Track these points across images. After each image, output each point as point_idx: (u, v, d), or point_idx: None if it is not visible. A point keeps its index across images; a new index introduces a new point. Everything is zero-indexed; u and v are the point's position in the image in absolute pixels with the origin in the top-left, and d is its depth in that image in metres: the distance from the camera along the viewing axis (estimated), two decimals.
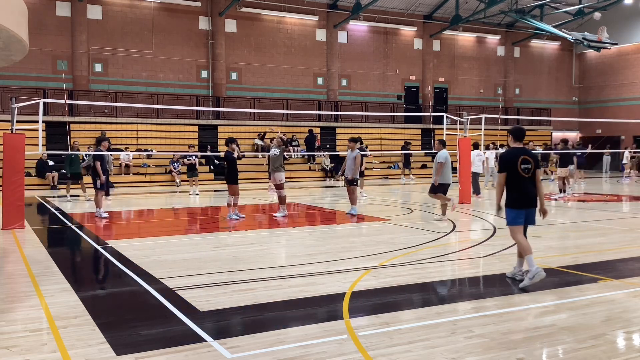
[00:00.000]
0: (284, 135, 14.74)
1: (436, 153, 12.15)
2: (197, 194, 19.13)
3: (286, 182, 13.57)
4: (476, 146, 18.67)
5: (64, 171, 21.50)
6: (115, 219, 12.94)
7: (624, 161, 28.35)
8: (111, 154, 22.18)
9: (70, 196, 17.43)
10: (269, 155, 13.02)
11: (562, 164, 17.63)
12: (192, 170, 20.07)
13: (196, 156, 21.45)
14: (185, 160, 21.45)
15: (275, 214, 12.81)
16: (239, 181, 12.94)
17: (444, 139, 13.79)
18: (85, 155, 22.56)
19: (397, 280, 6.74)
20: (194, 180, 19.94)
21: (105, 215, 12.84)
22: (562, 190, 17.46)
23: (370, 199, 17.50)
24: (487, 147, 21.20)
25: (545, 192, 17.87)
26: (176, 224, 12.97)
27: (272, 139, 13.32)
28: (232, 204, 12.62)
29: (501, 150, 22.23)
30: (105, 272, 7.95)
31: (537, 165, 6.53)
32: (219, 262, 7.88)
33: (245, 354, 4.38)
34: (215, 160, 25.16)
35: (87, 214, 13.98)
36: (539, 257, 8.20)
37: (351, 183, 13.27)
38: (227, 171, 12.91)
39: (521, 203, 6.44)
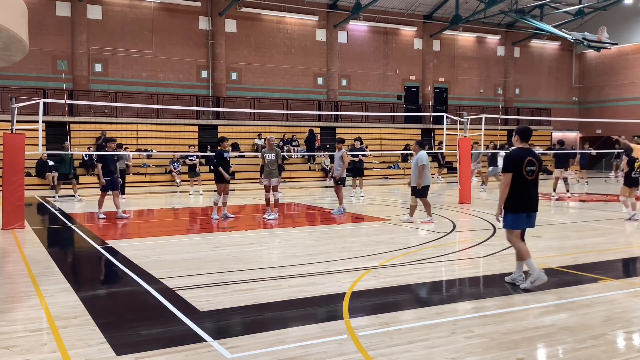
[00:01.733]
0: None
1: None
2: (201, 194, 19.12)
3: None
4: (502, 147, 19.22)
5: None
6: (115, 219, 12.93)
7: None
8: (131, 154, 22.22)
9: (59, 196, 17.34)
10: (263, 157, 12.86)
11: (558, 165, 17.78)
12: (193, 171, 20.04)
13: (197, 156, 21.38)
14: (187, 160, 21.33)
15: (268, 217, 12.56)
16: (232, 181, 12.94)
17: (422, 139, 13.84)
18: (85, 155, 22.59)
19: (397, 280, 6.74)
20: (195, 180, 19.91)
21: (103, 217, 12.76)
22: (554, 189, 17.63)
23: (370, 199, 17.50)
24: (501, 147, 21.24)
25: (546, 192, 17.91)
26: (176, 224, 12.97)
27: (266, 139, 13.15)
28: (223, 203, 12.67)
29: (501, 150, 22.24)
30: (105, 272, 7.94)
31: (540, 167, 6.38)
32: (219, 262, 7.88)
33: (245, 354, 4.38)
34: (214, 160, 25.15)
35: (87, 214, 13.98)
36: (539, 257, 8.20)
37: (337, 182, 13.54)
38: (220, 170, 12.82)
39: (524, 206, 6.27)
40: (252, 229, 11.30)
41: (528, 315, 5.37)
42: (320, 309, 5.66)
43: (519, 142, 6.39)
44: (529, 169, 6.19)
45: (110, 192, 13.00)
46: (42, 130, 12.65)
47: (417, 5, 32.29)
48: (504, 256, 8.16)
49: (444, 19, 33.05)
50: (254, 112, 27.55)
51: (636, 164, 12.02)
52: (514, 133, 6.54)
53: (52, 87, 23.85)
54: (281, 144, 26.85)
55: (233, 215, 12.96)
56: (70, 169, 17.64)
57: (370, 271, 7.18)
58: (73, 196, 17.21)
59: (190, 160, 20.55)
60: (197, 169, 20.23)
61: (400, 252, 8.51)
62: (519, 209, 6.25)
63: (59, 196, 17.38)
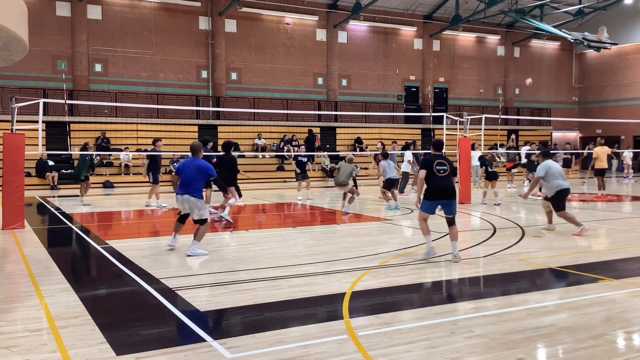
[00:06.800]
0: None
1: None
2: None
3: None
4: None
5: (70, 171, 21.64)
6: (115, 219, 12.93)
7: (625, 161, 28.37)
8: (111, 154, 22.11)
9: (58, 196, 17.17)
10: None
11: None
12: (303, 172, 18.26)
13: (307, 157, 19.27)
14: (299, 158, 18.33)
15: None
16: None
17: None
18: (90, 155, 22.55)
19: (397, 280, 6.74)
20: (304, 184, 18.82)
21: (165, 205, 14.51)
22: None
23: (370, 199, 17.50)
24: (493, 147, 21.18)
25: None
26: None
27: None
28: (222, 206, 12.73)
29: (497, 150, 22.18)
30: (105, 272, 7.93)
31: (452, 167, 7.99)
32: (219, 262, 7.88)
33: (245, 354, 4.38)
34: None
35: (87, 214, 13.98)
36: (539, 257, 8.22)
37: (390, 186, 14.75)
38: (231, 174, 12.74)
39: (435, 196, 7.86)
40: (252, 229, 11.31)
41: (528, 315, 5.37)
42: (320, 309, 5.66)
43: (433, 150, 8.17)
44: (439, 167, 7.85)
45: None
46: (42, 130, 12.65)
47: (417, 5, 32.29)
48: (504, 256, 8.17)
49: (444, 19, 33.05)
50: (254, 112, 27.55)
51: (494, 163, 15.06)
52: (430, 145, 8.49)
53: (52, 87, 23.85)
54: (282, 144, 26.84)
55: (219, 218, 12.60)
56: (87, 170, 17.43)
57: (370, 271, 7.18)
58: (78, 196, 17.10)
59: (301, 159, 17.79)
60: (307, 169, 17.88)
61: (400, 252, 8.51)
62: (430, 198, 7.91)
63: (58, 196, 17.37)
